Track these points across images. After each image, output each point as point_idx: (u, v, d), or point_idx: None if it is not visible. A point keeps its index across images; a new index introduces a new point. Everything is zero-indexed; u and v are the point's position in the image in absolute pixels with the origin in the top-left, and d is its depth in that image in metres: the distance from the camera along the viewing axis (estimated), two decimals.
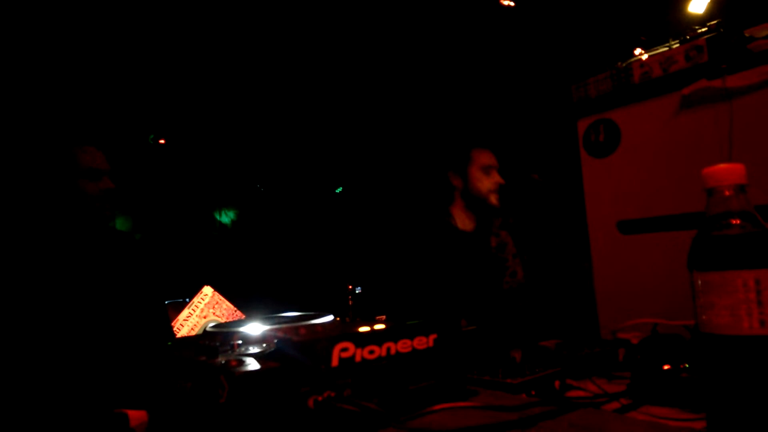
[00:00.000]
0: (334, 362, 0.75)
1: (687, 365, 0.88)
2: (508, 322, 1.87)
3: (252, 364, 0.72)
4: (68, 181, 1.58)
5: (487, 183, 1.97)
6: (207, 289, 2.86)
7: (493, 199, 1.97)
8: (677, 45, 1.86)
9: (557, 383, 0.97)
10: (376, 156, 5.56)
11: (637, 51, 1.98)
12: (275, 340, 0.79)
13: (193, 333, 2.66)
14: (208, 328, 1.04)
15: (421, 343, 0.84)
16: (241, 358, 0.75)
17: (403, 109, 4.97)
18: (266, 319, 1.13)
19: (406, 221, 2.13)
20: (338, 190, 6.42)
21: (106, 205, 1.60)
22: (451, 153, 2.05)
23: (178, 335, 2.48)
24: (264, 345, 0.84)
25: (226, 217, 6.31)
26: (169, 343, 1.02)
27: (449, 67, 4.43)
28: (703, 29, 1.81)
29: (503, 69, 4.35)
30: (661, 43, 1.93)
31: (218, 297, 2.87)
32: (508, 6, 3.55)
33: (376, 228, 5.30)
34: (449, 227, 1.98)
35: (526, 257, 2.11)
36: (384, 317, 1.50)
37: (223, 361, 0.74)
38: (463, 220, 2.01)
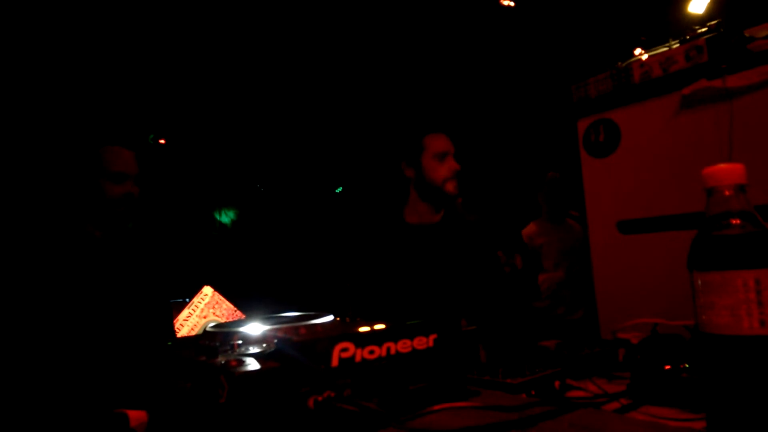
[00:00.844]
0: (334, 362, 0.75)
1: (687, 365, 0.88)
2: (506, 316, 1.82)
3: (252, 364, 0.72)
4: (90, 182, 1.57)
5: (441, 171, 1.85)
6: (207, 289, 2.86)
7: (450, 186, 1.85)
8: (677, 45, 1.86)
9: (557, 383, 0.96)
10: (349, 154, 5.58)
11: (637, 51, 1.98)
12: (275, 340, 0.79)
13: (193, 333, 2.66)
14: (208, 328, 1.04)
15: (421, 343, 0.84)
16: (241, 358, 0.75)
17: (365, 103, 4.97)
18: (266, 319, 1.13)
19: (361, 218, 2.07)
20: (338, 190, 6.42)
21: (123, 208, 1.59)
22: (403, 143, 1.95)
23: (178, 335, 2.48)
24: (264, 345, 0.84)
25: (226, 217, 6.31)
26: (169, 343, 1.03)
27: (454, 64, 4.43)
28: (703, 29, 1.81)
29: (503, 69, 4.35)
30: (661, 43, 1.93)
31: (218, 297, 2.87)
32: (508, 6, 3.55)
33: (342, 227, 5.32)
34: (400, 222, 1.90)
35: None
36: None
37: (223, 361, 0.74)
38: (419, 213, 1.91)
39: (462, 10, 3.93)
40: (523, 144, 4.59)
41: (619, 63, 2.00)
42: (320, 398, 0.71)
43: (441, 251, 1.84)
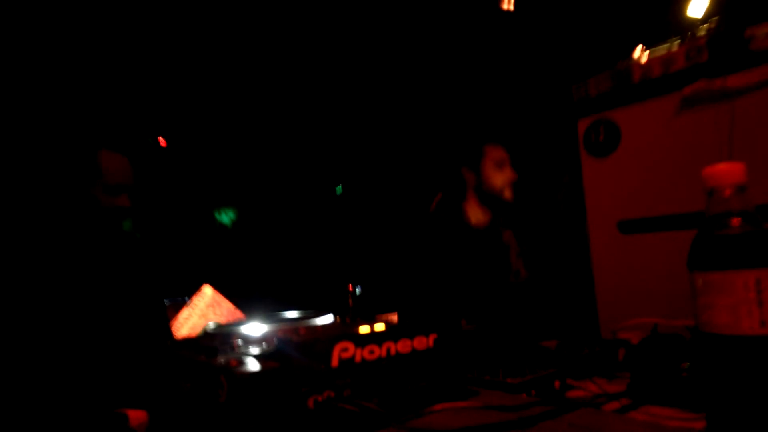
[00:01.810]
0: (334, 362, 0.75)
1: (687, 365, 0.88)
2: (510, 321, 1.85)
3: (252, 364, 0.72)
4: (83, 188, 1.55)
5: (500, 178, 1.97)
6: (207, 289, 2.85)
7: (507, 193, 1.98)
8: (677, 45, 1.86)
9: (557, 383, 0.96)
10: (384, 154, 5.57)
11: (637, 51, 1.98)
12: (275, 340, 0.79)
13: (192, 333, 2.66)
14: (208, 328, 1.05)
15: (421, 343, 0.84)
16: (241, 358, 0.75)
17: (411, 106, 4.97)
18: (266, 319, 1.13)
19: (419, 218, 2.13)
20: (338, 190, 6.42)
21: (115, 219, 1.58)
22: (464, 148, 2.05)
23: (178, 335, 2.48)
24: (264, 345, 0.84)
25: (226, 217, 6.31)
26: (169, 343, 1.03)
27: (459, 66, 4.44)
28: (703, 29, 1.81)
29: (504, 69, 4.35)
30: (661, 43, 1.93)
31: (218, 297, 2.86)
32: (508, 10, 3.55)
33: (386, 227, 5.30)
34: (462, 223, 1.98)
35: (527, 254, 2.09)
36: (395, 315, 1.51)
37: (223, 361, 0.74)
38: (477, 216, 2.01)
39: (462, 9, 3.93)
40: (523, 144, 4.59)
41: (619, 63, 2.00)
42: (320, 398, 0.71)
43: (490, 253, 1.97)
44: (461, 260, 1.89)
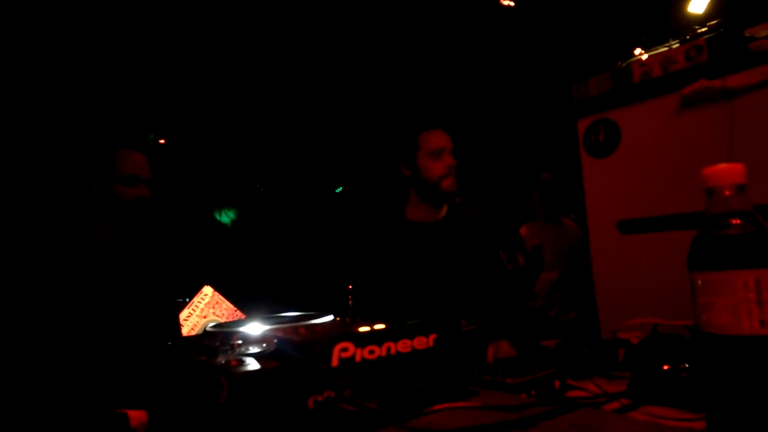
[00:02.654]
0: (334, 362, 0.75)
1: (687, 365, 0.88)
2: (510, 321, 1.82)
3: (252, 364, 0.72)
4: (103, 185, 1.57)
5: (436, 168, 1.82)
6: (207, 289, 2.86)
7: (446, 183, 1.81)
8: (677, 45, 1.86)
9: (557, 383, 0.96)
10: (351, 154, 5.59)
11: (637, 51, 1.98)
12: (275, 340, 0.79)
13: (193, 333, 2.66)
14: (208, 328, 1.05)
15: (421, 343, 0.84)
16: (241, 358, 0.75)
17: (365, 103, 4.98)
18: (266, 319, 1.13)
19: (363, 218, 2.05)
20: (338, 190, 6.42)
21: (137, 210, 1.60)
22: (398, 142, 1.93)
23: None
24: (264, 345, 0.84)
25: (226, 217, 6.31)
26: (169, 343, 1.03)
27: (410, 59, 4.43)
28: (703, 29, 1.81)
29: (504, 69, 4.35)
30: (661, 43, 1.93)
31: (218, 297, 2.87)
32: (508, 6, 3.55)
33: (343, 228, 5.33)
34: (402, 220, 1.89)
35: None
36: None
37: (223, 361, 0.74)
38: (416, 213, 1.89)
39: (462, 9, 3.93)
40: (523, 143, 4.59)
41: (619, 63, 2.00)
42: (320, 398, 0.71)
43: (443, 249, 1.82)
44: (403, 258, 1.80)
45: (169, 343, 1.48)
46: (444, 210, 1.91)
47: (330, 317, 1.11)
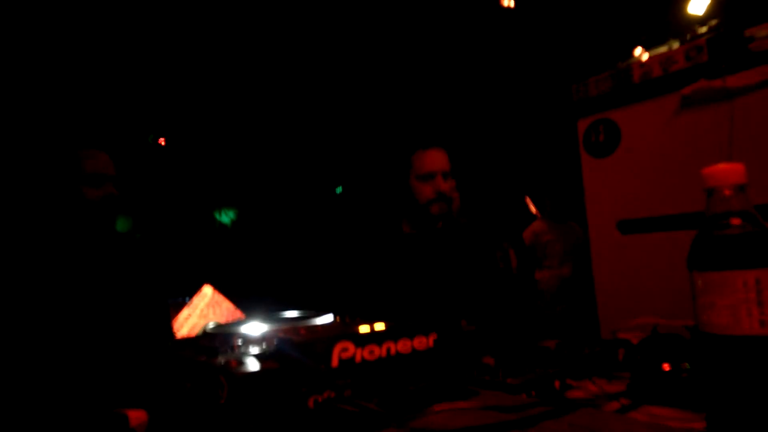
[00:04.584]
0: (334, 362, 0.75)
1: (687, 365, 0.88)
2: (510, 321, 1.81)
3: (252, 365, 0.72)
4: (71, 187, 1.57)
5: (424, 193, 1.78)
6: (207, 289, 2.85)
7: (434, 209, 1.78)
8: (677, 45, 1.86)
9: (557, 383, 0.96)
10: (357, 155, 5.59)
11: (637, 51, 1.98)
12: (275, 341, 0.79)
13: (193, 333, 2.66)
14: (208, 328, 1.04)
15: (421, 343, 0.84)
16: (241, 358, 0.75)
17: (370, 108, 4.98)
18: (266, 319, 1.13)
19: (360, 227, 2.04)
20: (338, 190, 6.42)
21: (106, 210, 1.59)
22: (393, 160, 1.91)
23: (178, 335, 2.48)
24: (264, 345, 0.84)
25: (226, 217, 6.31)
26: (170, 343, 1.03)
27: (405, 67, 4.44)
28: (703, 29, 1.81)
29: (504, 69, 4.35)
30: (661, 44, 1.93)
31: (218, 297, 2.86)
32: (508, 7, 3.55)
33: (341, 233, 5.33)
34: (397, 230, 1.89)
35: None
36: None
37: (223, 362, 0.74)
38: (413, 225, 1.89)
39: (463, 10, 3.93)
40: (523, 143, 4.60)
41: (619, 63, 2.00)
42: (320, 398, 0.71)
43: (437, 257, 1.81)
44: (400, 267, 1.78)
45: (168, 344, 1.48)
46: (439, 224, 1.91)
47: (330, 317, 1.11)
